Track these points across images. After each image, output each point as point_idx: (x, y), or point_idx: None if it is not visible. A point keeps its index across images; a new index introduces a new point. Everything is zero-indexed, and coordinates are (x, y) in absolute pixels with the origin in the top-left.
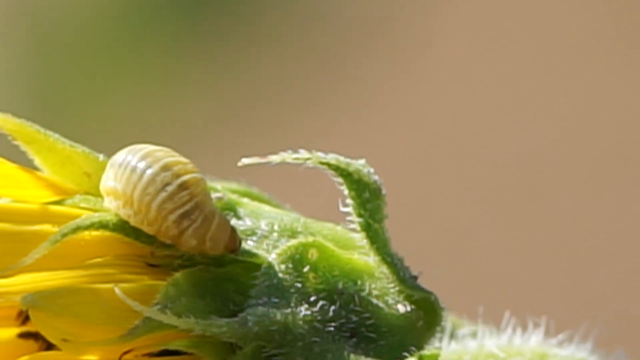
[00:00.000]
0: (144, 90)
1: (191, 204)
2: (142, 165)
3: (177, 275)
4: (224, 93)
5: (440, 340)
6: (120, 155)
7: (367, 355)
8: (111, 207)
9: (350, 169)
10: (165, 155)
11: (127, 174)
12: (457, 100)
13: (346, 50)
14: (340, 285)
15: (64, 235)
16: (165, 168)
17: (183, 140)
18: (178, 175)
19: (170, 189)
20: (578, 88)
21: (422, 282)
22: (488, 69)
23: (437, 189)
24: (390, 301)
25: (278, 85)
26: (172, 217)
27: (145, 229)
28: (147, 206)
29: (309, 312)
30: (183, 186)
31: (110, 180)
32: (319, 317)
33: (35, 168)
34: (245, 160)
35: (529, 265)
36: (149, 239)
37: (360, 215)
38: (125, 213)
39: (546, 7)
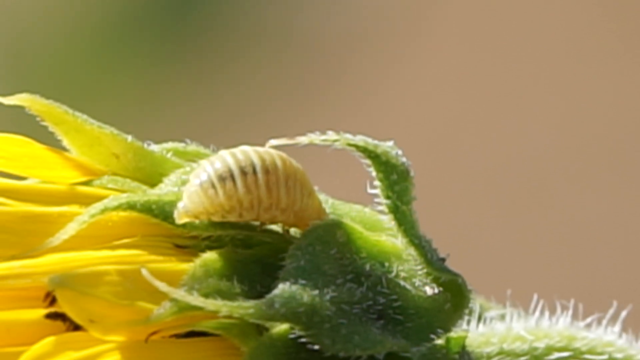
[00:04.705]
0: (123, 112)
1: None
2: (269, 163)
3: (205, 256)
4: (204, 112)
5: (468, 322)
6: (240, 161)
7: (394, 337)
8: (246, 218)
9: (379, 150)
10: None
11: (262, 177)
12: (456, 99)
13: (343, 53)
14: (367, 267)
15: (92, 216)
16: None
17: None
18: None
19: (298, 175)
20: (578, 86)
21: (450, 264)
22: (490, 68)
23: (447, 185)
24: (418, 283)
25: (260, 103)
26: (305, 198)
27: (292, 221)
28: (294, 198)
29: (336, 294)
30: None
31: (233, 192)
32: (346, 299)
33: (64, 149)
34: (273, 142)
35: (559, 248)
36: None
37: (388, 197)
38: (269, 217)
39: (542, 11)
